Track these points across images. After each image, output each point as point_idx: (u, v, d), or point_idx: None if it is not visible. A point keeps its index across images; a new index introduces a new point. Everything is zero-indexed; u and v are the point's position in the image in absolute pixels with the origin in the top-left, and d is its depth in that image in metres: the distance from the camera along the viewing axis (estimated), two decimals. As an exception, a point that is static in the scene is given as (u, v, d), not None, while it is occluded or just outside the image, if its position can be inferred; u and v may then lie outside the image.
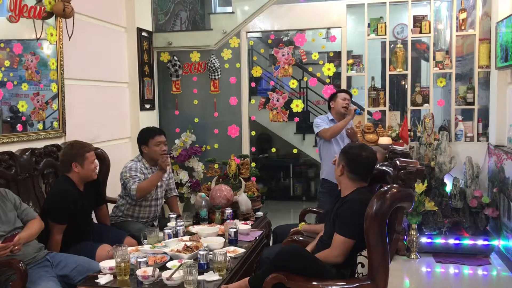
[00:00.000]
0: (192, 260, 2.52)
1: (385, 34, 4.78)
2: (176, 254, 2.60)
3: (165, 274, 2.32)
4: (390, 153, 2.82)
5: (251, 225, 3.36)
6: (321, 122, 4.04)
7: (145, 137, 3.50)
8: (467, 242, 4.19)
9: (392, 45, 4.94)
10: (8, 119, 3.09)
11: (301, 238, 2.89)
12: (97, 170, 3.14)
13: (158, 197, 3.55)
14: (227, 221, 3.30)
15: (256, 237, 3.07)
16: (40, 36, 3.24)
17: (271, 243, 3.57)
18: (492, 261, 4.08)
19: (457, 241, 4.21)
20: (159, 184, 3.51)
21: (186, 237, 2.91)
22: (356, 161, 2.45)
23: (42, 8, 3.25)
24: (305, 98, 7.53)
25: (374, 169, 2.51)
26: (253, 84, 5.34)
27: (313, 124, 4.14)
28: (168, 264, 2.49)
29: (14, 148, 3.01)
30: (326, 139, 3.96)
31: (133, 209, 3.47)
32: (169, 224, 3.21)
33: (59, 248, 2.83)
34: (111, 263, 2.46)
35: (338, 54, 5.29)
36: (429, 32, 4.75)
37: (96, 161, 3.06)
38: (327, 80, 5.69)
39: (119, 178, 3.49)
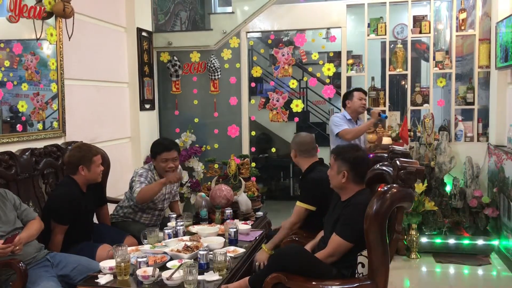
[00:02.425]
0: (192, 260, 2.52)
1: (385, 34, 4.78)
2: (176, 254, 2.60)
3: (165, 274, 2.32)
4: (390, 153, 2.81)
5: (251, 225, 3.36)
6: (341, 122, 3.99)
7: (153, 151, 3.43)
8: (467, 242, 4.19)
9: (392, 45, 4.94)
10: (8, 119, 3.09)
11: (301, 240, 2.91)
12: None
13: (163, 208, 3.55)
14: (227, 221, 3.30)
15: (256, 237, 3.07)
16: (40, 36, 3.24)
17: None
18: (492, 261, 4.08)
19: (457, 241, 4.21)
20: (167, 196, 3.50)
21: (186, 237, 2.91)
22: (359, 164, 2.45)
23: (42, 8, 3.24)
24: (305, 98, 7.54)
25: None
26: (253, 84, 5.34)
27: (329, 123, 4.11)
28: (168, 264, 2.49)
29: (14, 148, 3.01)
30: (346, 140, 3.85)
31: (135, 214, 3.45)
32: (169, 224, 3.21)
33: (59, 249, 2.83)
34: (111, 263, 2.46)
35: (338, 54, 5.29)
36: (429, 32, 4.75)
37: (101, 166, 3.05)
38: (327, 80, 5.69)
39: (118, 178, 3.48)
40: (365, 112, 4.35)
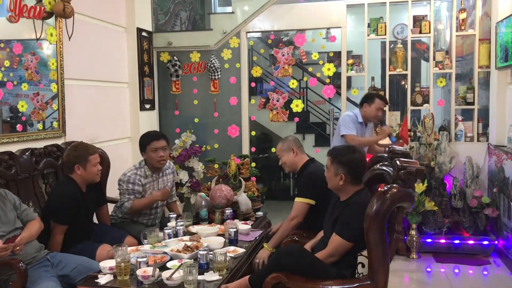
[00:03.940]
0: (192, 260, 2.52)
1: (385, 34, 4.78)
2: (176, 254, 2.60)
3: (165, 274, 2.32)
4: (390, 153, 2.82)
5: (251, 225, 3.36)
6: (351, 125, 3.91)
7: (142, 143, 3.45)
8: (467, 242, 4.19)
9: (392, 45, 4.94)
10: (8, 119, 3.09)
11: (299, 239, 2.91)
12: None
13: (158, 205, 3.53)
14: (227, 221, 3.30)
15: (256, 237, 3.08)
16: (40, 36, 3.24)
17: None
18: (492, 261, 4.08)
19: (457, 241, 4.21)
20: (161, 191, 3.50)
21: (186, 237, 2.91)
22: (356, 166, 2.45)
23: (42, 8, 3.24)
24: (305, 98, 7.53)
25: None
26: (253, 84, 5.34)
27: (339, 119, 4.03)
28: (168, 264, 2.49)
29: (14, 148, 3.01)
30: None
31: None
32: (169, 224, 3.21)
33: (59, 248, 2.83)
34: (111, 263, 2.46)
35: (338, 54, 5.29)
36: (429, 32, 4.75)
37: (99, 165, 3.03)
38: (327, 80, 5.69)
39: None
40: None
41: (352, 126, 3.93)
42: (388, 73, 4.84)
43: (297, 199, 3.01)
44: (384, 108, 4.08)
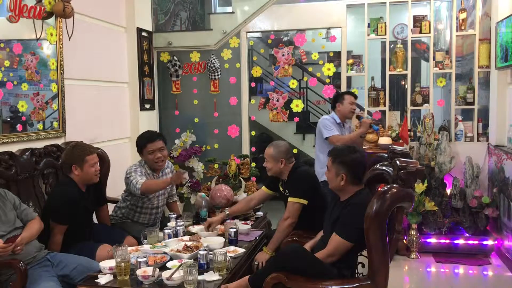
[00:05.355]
0: (192, 260, 2.52)
1: (385, 34, 4.79)
2: (176, 254, 2.60)
3: (165, 274, 2.32)
4: (390, 153, 2.82)
5: (251, 225, 3.36)
6: (332, 126, 3.93)
7: (138, 145, 3.43)
8: (467, 242, 4.19)
9: (392, 45, 4.94)
10: (8, 119, 3.09)
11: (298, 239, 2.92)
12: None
13: (159, 205, 3.51)
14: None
15: (256, 237, 3.08)
16: (40, 36, 3.24)
17: None
18: (492, 261, 4.08)
19: (457, 241, 4.20)
20: (161, 191, 3.48)
21: (186, 237, 2.92)
22: (357, 166, 2.45)
23: (42, 8, 3.24)
24: (305, 98, 7.54)
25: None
26: (253, 84, 5.34)
27: (319, 124, 4.03)
28: (168, 264, 2.49)
29: (14, 148, 3.01)
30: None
31: (133, 214, 3.45)
32: (169, 224, 3.21)
33: (59, 248, 2.83)
34: (111, 263, 2.46)
35: (338, 54, 5.30)
36: (429, 32, 4.75)
37: (97, 165, 3.02)
38: (327, 80, 5.69)
39: (118, 178, 3.48)
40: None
41: (333, 127, 3.94)
42: (388, 73, 4.84)
43: (290, 199, 3.01)
44: (355, 101, 4.09)
